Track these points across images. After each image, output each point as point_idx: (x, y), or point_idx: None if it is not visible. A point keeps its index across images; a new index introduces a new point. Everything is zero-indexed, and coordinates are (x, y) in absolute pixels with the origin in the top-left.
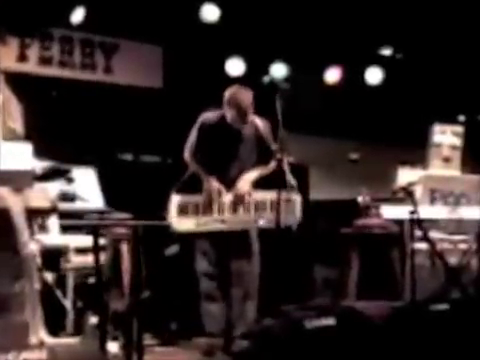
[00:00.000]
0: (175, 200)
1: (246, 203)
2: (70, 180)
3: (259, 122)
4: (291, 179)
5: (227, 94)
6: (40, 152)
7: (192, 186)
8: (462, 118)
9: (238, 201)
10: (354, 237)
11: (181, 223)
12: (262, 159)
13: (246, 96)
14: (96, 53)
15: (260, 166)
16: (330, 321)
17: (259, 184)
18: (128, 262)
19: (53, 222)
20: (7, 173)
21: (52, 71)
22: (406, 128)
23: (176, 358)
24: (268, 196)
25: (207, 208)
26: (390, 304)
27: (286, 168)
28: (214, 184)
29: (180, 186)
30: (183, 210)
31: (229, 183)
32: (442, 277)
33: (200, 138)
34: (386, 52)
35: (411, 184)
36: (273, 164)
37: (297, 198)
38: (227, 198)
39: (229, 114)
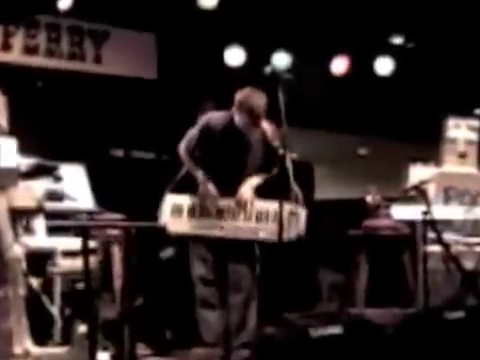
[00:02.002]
0: (169, 200)
1: (247, 211)
2: (58, 178)
3: (267, 127)
4: (296, 189)
5: (239, 97)
6: (25, 148)
7: (188, 186)
8: (478, 111)
9: (239, 208)
10: (362, 239)
11: (175, 225)
12: (268, 165)
13: (260, 100)
14: (85, 42)
15: (264, 172)
16: (337, 329)
17: (262, 192)
18: (120, 266)
19: (39, 223)
20: None
21: (38, 61)
22: (418, 122)
23: None
24: (271, 206)
25: (204, 211)
26: (401, 311)
27: (289, 166)
28: (210, 188)
29: (175, 185)
30: (178, 211)
31: (232, 189)
32: (457, 282)
33: (202, 139)
34: (397, 41)
35: (423, 182)
36: (276, 170)
37: (302, 211)
38: (227, 203)
39: (239, 118)
